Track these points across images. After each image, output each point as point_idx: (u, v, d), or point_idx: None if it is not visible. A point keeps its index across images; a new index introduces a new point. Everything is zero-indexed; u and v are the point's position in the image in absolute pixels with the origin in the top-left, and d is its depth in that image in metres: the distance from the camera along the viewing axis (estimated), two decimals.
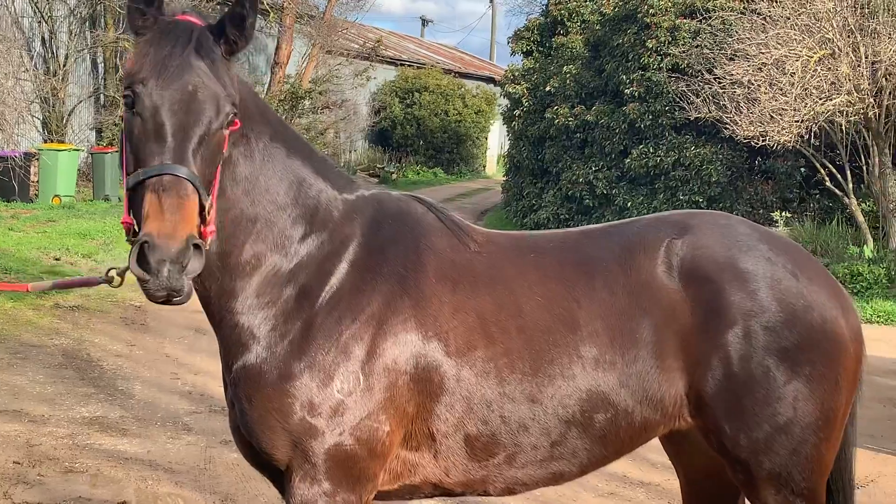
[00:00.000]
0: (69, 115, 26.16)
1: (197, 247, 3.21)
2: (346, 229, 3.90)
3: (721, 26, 20.52)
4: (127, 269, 3.60)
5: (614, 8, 24.41)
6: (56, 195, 22.29)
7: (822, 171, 19.98)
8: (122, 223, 3.40)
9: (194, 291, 3.41)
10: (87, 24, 27.27)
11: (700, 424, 3.99)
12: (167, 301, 3.23)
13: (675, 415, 3.97)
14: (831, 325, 3.94)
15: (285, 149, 3.88)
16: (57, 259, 15.71)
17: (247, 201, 3.74)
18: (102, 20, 27.49)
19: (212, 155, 3.42)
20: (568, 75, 24.62)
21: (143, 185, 3.26)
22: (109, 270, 3.81)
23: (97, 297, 13.26)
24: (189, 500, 6.84)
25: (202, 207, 3.33)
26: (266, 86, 32.66)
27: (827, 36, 18.53)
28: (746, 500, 4.19)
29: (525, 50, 28.40)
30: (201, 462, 7.57)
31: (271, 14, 31.32)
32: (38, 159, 22.48)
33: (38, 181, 22.59)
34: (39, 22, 25.92)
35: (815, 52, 18.49)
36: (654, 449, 5.70)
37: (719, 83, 19.36)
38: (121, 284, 3.77)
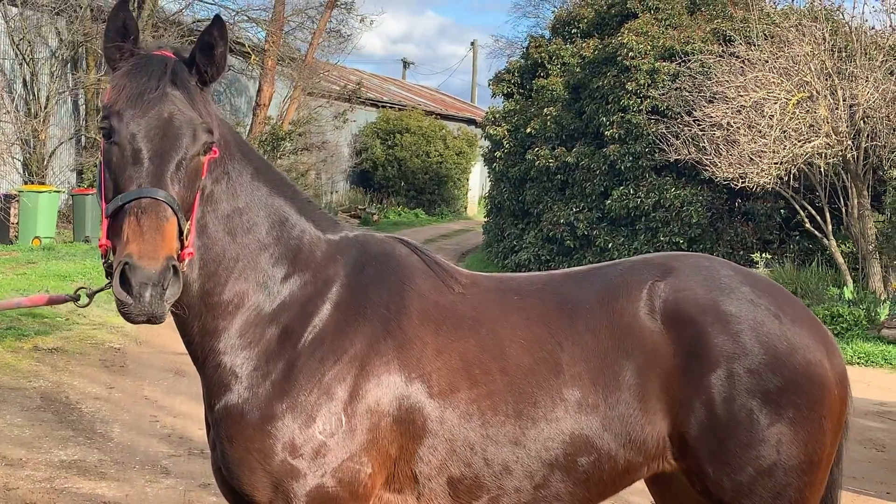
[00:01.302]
0: (50, 156, 26.08)
1: (175, 269, 3.23)
2: (329, 270, 3.91)
3: (700, 69, 20.69)
4: (98, 291, 3.65)
5: (594, 51, 24.60)
6: (36, 237, 22.17)
7: (802, 212, 20.10)
8: (99, 246, 3.44)
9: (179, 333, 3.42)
10: (68, 65, 27.26)
11: (683, 467, 3.98)
12: (146, 322, 3.26)
13: (659, 457, 3.97)
14: (815, 367, 3.94)
15: (268, 187, 3.91)
16: None
17: (228, 239, 3.76)
18: (84, 62, 27.50)
19: (190, 180, 3.45)
20: (548, 117, 24.76)
21: (122, 210, 3.29)
22: (78, 289, 3.82)
23: (76, 340, 13.17)
24: None
25: (181, 231, 3.36)
26: (248, 127, 32.73)
27: (805, 79, 18.71)
28: None
29: (506, 92, 28.54)
30: None
31: (253, 56, 31.44)
32: (18, 201, 22.38)
33: (17, 223, 22.48)
34: (21, 64, 25.88)
35: (793, 95, 18.66)
36: (636, 491, 5.67)
37: (699, 125, 19.50)
38: (87, 305, 3.79)
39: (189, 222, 3.45)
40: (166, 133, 3.40)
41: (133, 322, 3.25)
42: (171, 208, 3.30)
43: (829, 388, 3.97)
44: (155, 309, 3.19)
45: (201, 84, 3.59)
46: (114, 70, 3.56)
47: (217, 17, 3.58)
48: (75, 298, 3.81)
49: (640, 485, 4.47)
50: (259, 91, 33.17)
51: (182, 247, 3.40)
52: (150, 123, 3.40)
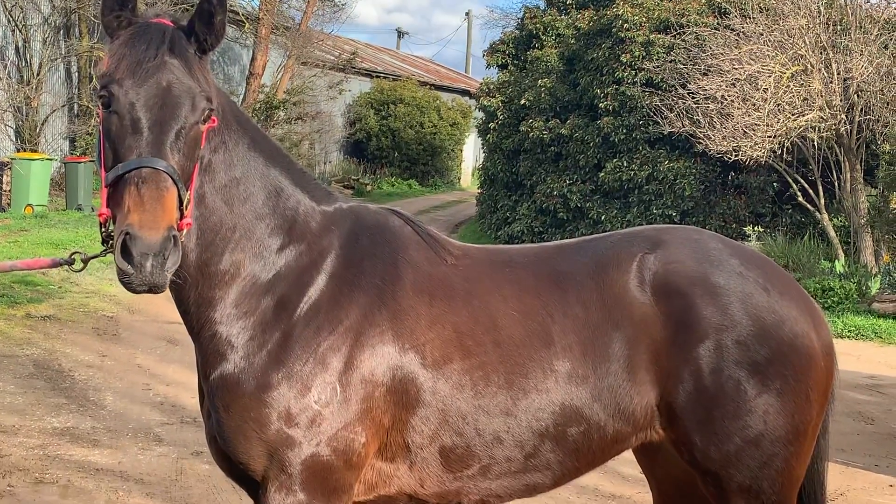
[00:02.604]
0: (42, 124, 25.99)
1: (175, 239, 3.25)
2: (323, 241, 3.93)
3: (695, 42, 20.67)
4: (93, 257, 3.67)
5: (589, 22, 24.54)
6: (28, 204, 22.13)
7: (795, 186, 20.15)
8: (99, 215, 3.45)
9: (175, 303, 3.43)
10: (61, 32, 27.11)
11: (671, 436, 4.02)
12: (147, 292, 3.27)
13: (647, 427, 4.01)
14: (802, 339, 3.98)
15: (264, 158, 3.91)
16: None
17: (226, 209, 3.76)
18: (77, 29, 27.36)
19: (189, 149, 3.45)
20: (543, 89, 24.72)
21: (122, 180, 3.29)
22: (73, 253, 3.82)
23: (69, 308, 13.19)
24: None
25: (181, 201, 3.37)
26: (241, 96, 32.58)
27: (800, 52, 18.71)
28: None
29: (500, 63, 28.48)
30: (172, 473, 7.54)
31: (246, 24, 31.28)
32: (10, 168, 22.33)
33: (10, 190, 22.43)
34: (13, 30, 25.74)
35: (787, 69, 18.66)
36: (625, 462, 5.73)
37: (693, 98, 19.50)
38: (82, 269, 3.80)
39: (188, 192, 3.45)
40: (165, 102, 3.40)
41: (134, 292, 3.26)
42: (171, 178, 3.31)
43: (815, 359, 4.01)
44: (156, 279, 3.20)
45: (200, 53, 3.58)
46: (112, 39, 3.55)
47: None
48: (70, 262, 3.81)
49: (627, 455, 4.52)
50: (253, 60, 33.00)
51: (181, 216, 3.40)
52: (149, 92, 3.39)
